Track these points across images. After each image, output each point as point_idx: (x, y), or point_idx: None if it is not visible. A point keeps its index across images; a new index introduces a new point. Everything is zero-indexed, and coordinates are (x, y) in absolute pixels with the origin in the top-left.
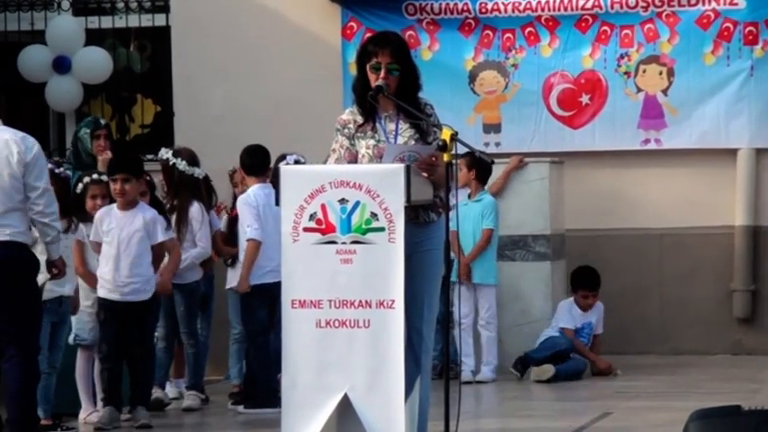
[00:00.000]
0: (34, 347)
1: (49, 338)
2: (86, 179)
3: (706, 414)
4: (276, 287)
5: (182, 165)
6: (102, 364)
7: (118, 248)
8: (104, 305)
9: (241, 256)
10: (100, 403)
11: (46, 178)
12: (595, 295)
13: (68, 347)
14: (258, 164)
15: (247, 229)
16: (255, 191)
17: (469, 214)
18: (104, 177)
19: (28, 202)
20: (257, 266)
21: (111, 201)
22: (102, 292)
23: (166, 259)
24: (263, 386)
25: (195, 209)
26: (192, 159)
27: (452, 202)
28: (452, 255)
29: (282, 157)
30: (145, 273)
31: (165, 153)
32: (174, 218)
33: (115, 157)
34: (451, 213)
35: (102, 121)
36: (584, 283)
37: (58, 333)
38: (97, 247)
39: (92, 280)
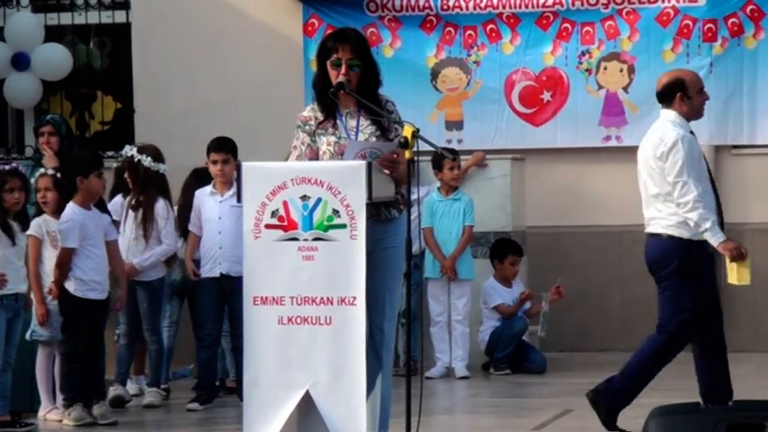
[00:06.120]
0: None
1: (5, 334)
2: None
3: (666, 411)
4: None
5: (147, 161)
6: (75, 363)
7: (101, 248)
8: (87, 305)
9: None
10: (59, 400)
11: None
12: (519, 263)
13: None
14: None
15: None
16: None
17: (448, 212)
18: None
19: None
20: None
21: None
22: (93, 293)
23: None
24: None
25: (161, 205)
26: (157, 156)
27: (414, 196)
28: (424, 247)
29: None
30: (107, 269)
31: (130, 150)
32: (139, 215)
33: (88, 155)
34: (422, 208)
35: (48, 117)
36: (511, 249)
37: (12, 329)
38: (68, 253)
39: (37, 283)
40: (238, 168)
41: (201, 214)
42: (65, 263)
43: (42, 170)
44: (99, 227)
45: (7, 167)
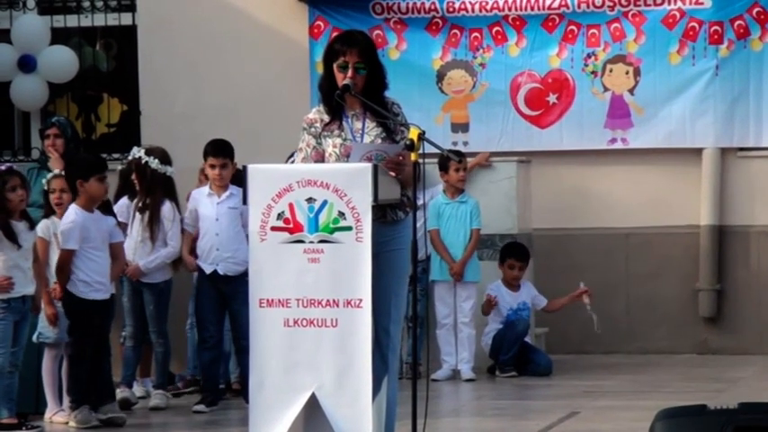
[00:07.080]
0: None
1: (12, 337)
2: None
3: (672, 413)
4: None
5: (154, 163)
6: (82, 365)
7: (104, 250)
8: (92, 306)
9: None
10: (65, 402)
11: None
12: (521, 268)
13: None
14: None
15: None
16: None
17: (455, 215)
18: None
19: None
20: None
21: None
22: (97, 294)
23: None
24: None
25: (167, 208)
26: (165, 158)
27: (419, 201)
28: (431, 252)
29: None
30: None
31: (138, 152)
32: (146, 217)
33: (90, 158)
34: (427, 213)
35: (53, 119)
36: (513, 252)
37: (20, 331)
38: (68, 254)
39: (46, 284)
40: (244, 171)
41: (198, 214)
42: (65, 264)
43: (57, 171)
44: (101, 230)
45: (3, 167)
